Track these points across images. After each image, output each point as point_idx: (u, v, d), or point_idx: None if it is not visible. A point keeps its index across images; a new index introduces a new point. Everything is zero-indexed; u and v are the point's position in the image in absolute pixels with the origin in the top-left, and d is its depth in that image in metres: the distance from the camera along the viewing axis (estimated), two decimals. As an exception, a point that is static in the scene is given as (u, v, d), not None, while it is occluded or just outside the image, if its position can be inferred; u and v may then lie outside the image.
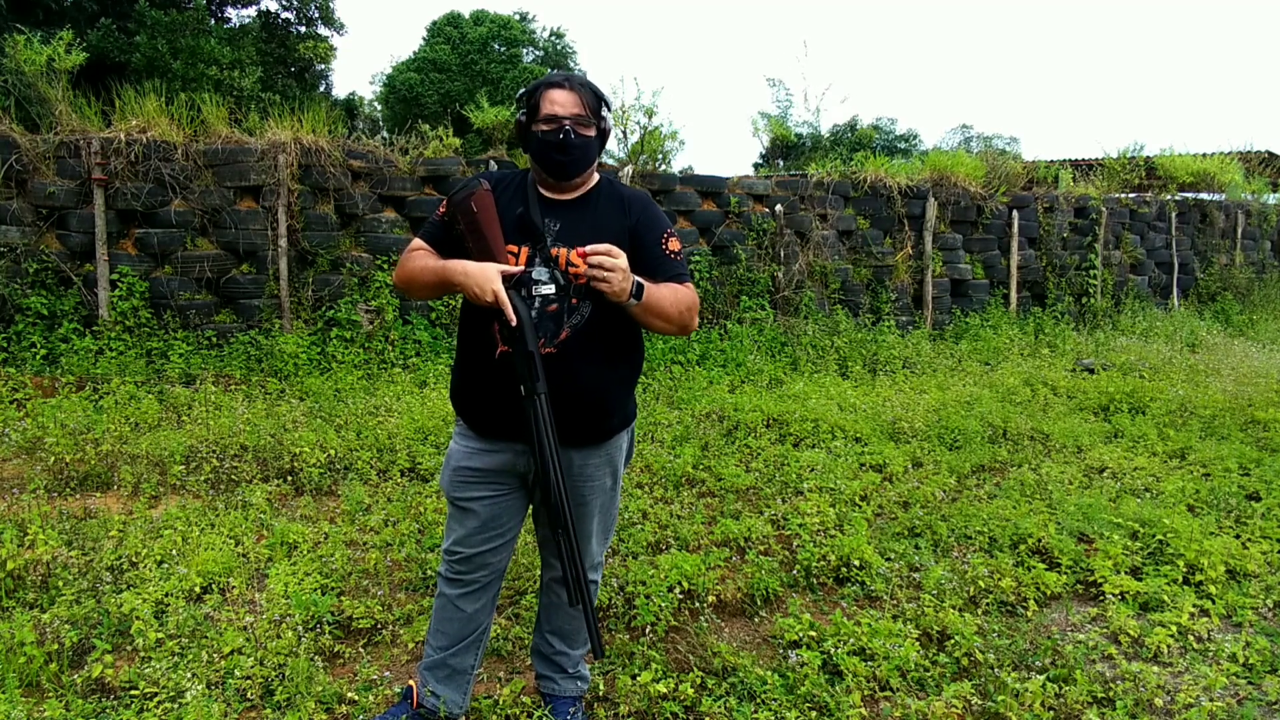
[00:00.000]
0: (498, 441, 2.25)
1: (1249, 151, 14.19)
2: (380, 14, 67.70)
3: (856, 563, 3.50)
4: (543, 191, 2.25)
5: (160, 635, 2.82)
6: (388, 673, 2.78)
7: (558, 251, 2.16)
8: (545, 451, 2.05)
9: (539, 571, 2.64)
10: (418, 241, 2.28)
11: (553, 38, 30.59)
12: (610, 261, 2.00)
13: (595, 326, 2.17)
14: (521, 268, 2.14)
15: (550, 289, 2.14)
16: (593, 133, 2.21)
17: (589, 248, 2.04)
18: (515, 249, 2.16)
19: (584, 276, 2.07)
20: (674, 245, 2.23)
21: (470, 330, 2.26)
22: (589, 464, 2.29)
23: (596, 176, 2.31)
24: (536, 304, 2.14)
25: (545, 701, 2.52)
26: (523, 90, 2.30)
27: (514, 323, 2.04)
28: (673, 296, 2.15)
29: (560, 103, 2.17)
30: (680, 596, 3.20)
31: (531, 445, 2.08)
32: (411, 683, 2.48)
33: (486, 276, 2.05)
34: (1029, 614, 3.26)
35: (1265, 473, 4.74)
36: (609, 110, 2.27)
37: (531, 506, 2.40)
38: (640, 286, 2.06)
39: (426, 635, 2.50)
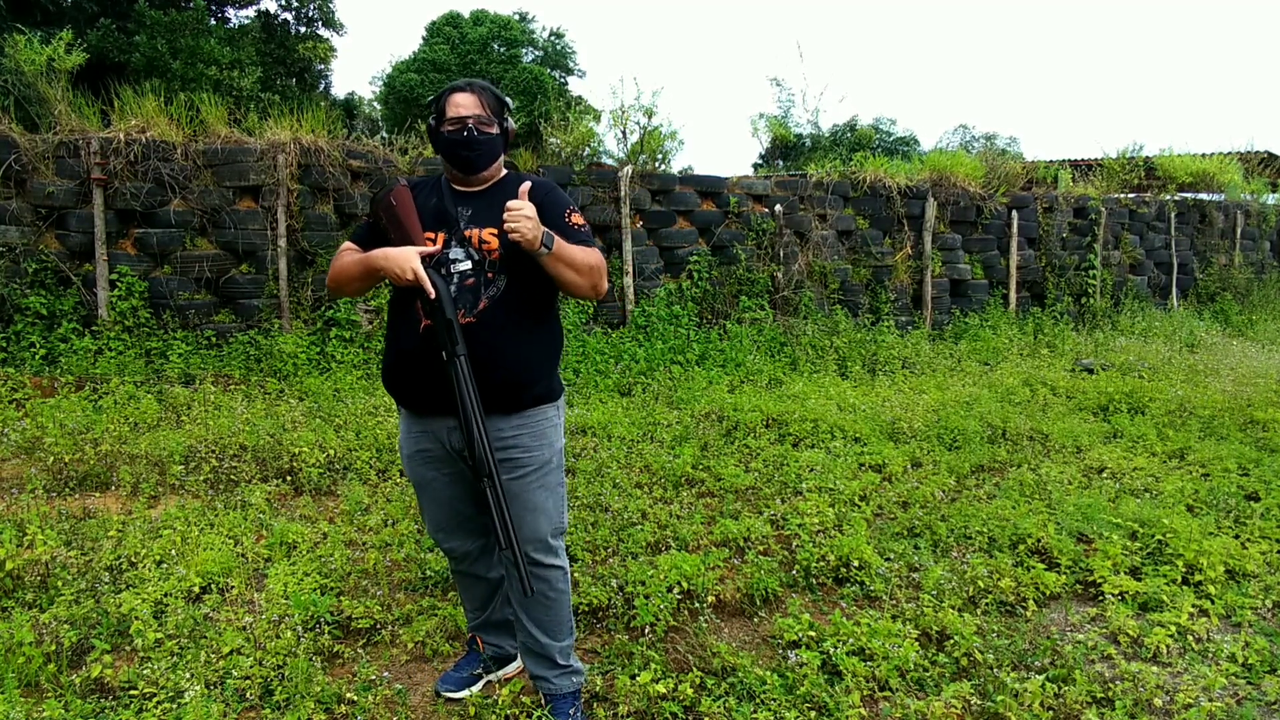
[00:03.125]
0: (429, 419, 2.41)
1: (1248, 152, 14.20)
2: (380, 14, 67.77)
3: (856, 563, 3.50)
4: (455, 187, 2.45)
5: (159, 635, 2.82)
6: (387, 673, 2.78)
7: (471, 232, 2.36)
8: (467, 404, 2.19)
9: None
10: (346, 244, 2.49)
11: (552, 38, 30.61)
12: (518, 213, 2.16)
13: (511, 297, 2.34)
14: (438, 248, 2.34)
15: (467, 265, 2.34)
16: (495, 130, 2.40)
17: (510, 202, 2.19)
18: (433, 235, 2.36)
19: (505, 229, 2.19)
20: (577, 219, 2.40)
21: (396, 313, 2.43)
22: (520, 433, 2.38)
23: (504, 171, 2.50)
24: (455, 280, 2.32)
25: (545, 701, 2.54)
26: (430, 98, 2.52)
27: (432, 295, 2.21)
28: (582, 253, 2.30)
29: (462, 104, 2.38)
30: (679, 597, 3.20)
31: (457, 412, 2.22)
32: (478, 640, 2.76)
33: (405, 257, 2.24)
34: (1028, 614, 3.26)
35: (1264, 473, 4.74)
36: (510, 113, 2.47)
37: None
38: (551, 237, 2.22)
39: (462, 603, 2.81)
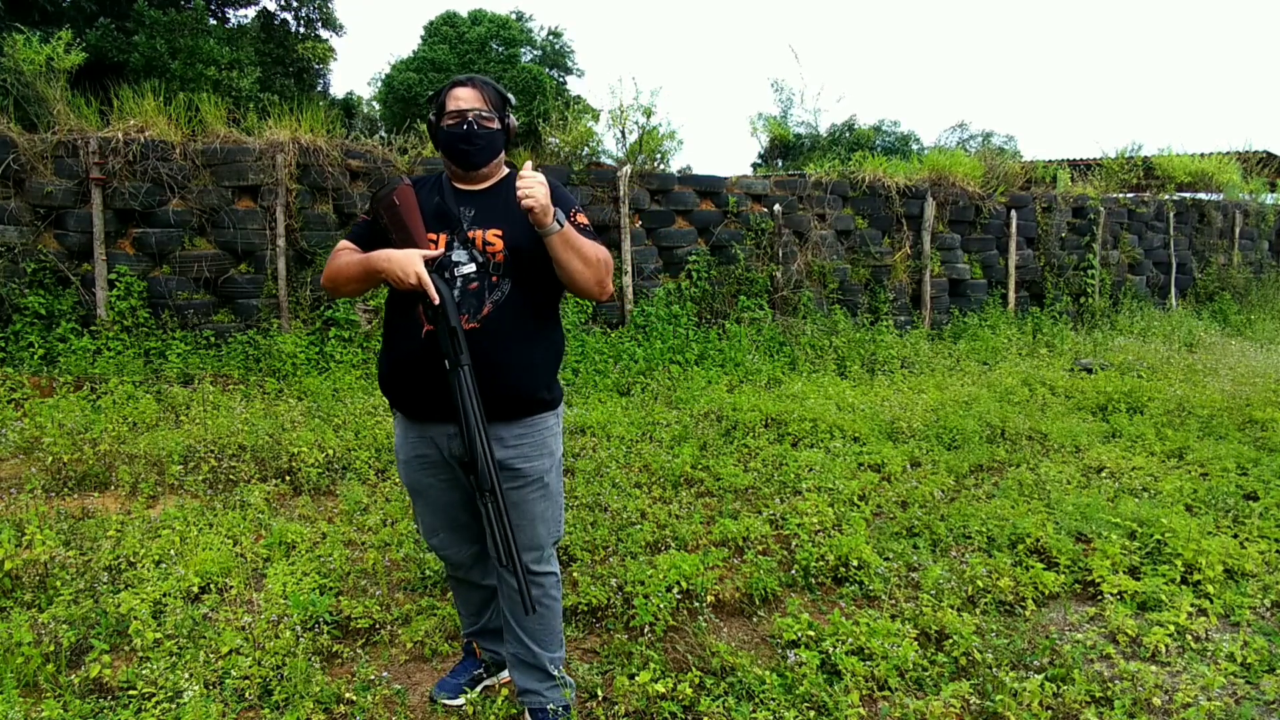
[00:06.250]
0: (429, 425, 2.36)
1: (1247, 151, 14.20)
2: (379, 14, 67.76)
3: (855, 562, 3.50)
4: (456, 185, 2.40)
5: (158, 635, 2.82)
6: (386, 673, 2.78)
7: (474, 234, 2.30)
8: (470, 418, 2.14)
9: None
10: (344, 242, 2.43)
11: (550, 37, 30.59)
12: (531, 179, 2.11)
13: (516, 301, 2.29)
14: (441, 250, 2.28)
15: (471, 268, 2.28)
16: (496, 125, 2.36)
17: (523, 171, 2.13)
18: (435, 236, 2.31)
19: (518, 195, 2.13)
20: (582, 219, 2.34)
21: (396, 316, 2.37)
22: (521, 442, 2.34)
23: (505, 169, 2.46)
24: (459, 284, 2.27)
25: (532, 717, 2.48)
26: (431, 93, 2.46)
27: (436, 301, 2.16)
28: (591, 244, 2.25)
29: (462, 98, 2.34)
30: (679, 596, 3.20)
31: (458, 420, 2.16)
32: (474, 645, 2.75)
33: (409, 260, 2.18)
34: (1027, 613, 3.26)
35: (1263, 472, 4.74)
36: (512, 108, 2.43)
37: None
38: (563, 215, 2.18)
39: (457, 609, 2.81)
